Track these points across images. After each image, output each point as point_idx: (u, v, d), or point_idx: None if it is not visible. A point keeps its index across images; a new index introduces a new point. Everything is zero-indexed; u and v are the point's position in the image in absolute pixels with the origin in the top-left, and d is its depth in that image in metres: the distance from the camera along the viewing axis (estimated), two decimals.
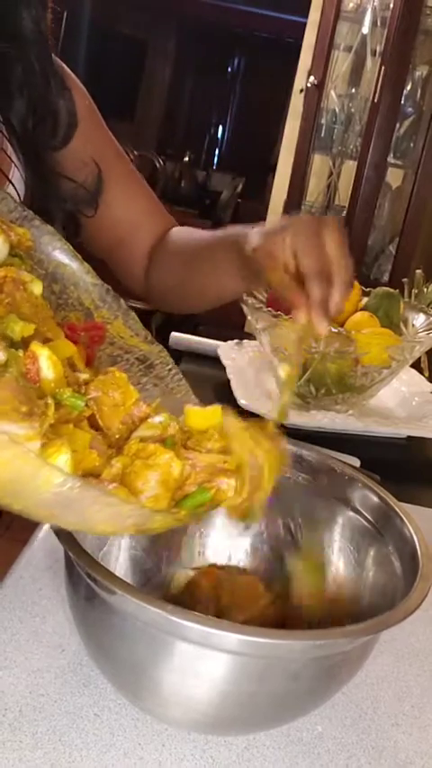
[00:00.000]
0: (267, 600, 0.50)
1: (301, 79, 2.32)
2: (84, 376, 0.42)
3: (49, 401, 0.36)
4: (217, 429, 0.44)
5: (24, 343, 0.39)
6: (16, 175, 0.69)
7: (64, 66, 0.77)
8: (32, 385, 0.37)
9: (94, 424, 0.41)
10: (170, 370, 0.52)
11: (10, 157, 0.69)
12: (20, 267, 0.46)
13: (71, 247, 0.52)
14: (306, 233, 0.59)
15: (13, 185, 0.69)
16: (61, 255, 0.52)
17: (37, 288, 0.45)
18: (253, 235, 0.64)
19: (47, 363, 0.38)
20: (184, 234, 0.84)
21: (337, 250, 0.59)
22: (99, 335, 0.48)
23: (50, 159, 0.73)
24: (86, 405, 0.40)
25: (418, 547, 0.48)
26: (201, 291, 0.80)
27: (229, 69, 5.71)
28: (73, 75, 0.78)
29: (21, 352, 0.37)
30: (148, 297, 0.87)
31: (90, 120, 0.79)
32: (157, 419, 0.42)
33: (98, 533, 0.36)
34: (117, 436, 0.41)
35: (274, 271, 0.61)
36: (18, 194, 0.69)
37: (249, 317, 0.96)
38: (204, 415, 0.44)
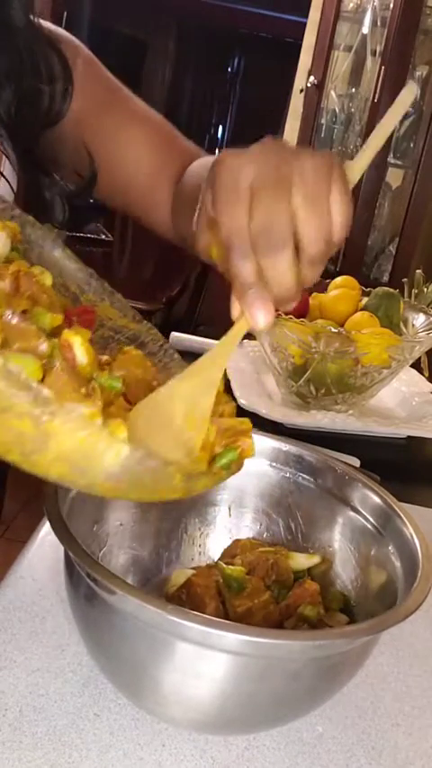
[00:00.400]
0: (266, 597, 0.51)
1: (302, 79, 2.32)
2: (104, 357, 0.44)
3: (95, 384, 0.39)
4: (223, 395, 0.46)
5: (53, 333, 0.41)
6: (7, 167, 0.69)
7: (58, 30, 0.74)
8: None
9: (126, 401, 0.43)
10: (161, 345, 0.53)
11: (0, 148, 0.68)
12: (17, 259, 0.47)
13: (53, 234, 0.53)
14: (273, 167, 0.40)
15: (4, 177, 0.68)
16: (44, 243, 0.52)
17: (48, 279, 0.46)
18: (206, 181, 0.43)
19: (81, 350, 0.39)
20: (193, 172, 0.74)
21: (305, 212, 0.39)
22: (90, 319, 0.49)
23: (44, 147, 0.72)
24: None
25: (418, 547, 0.48)
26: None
27: (229, 69, 5.71)
28: (67, 36, 0.75)
29: (56, 340, 0.40)
30: (177, 237, 0.80)
31: (87, 84, 0.75)
32: None
33: (151, 500, 0.39)
34: None
35: (206, 241, 0.44)
36: (10, 186, 0.69)
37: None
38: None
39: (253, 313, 0.40)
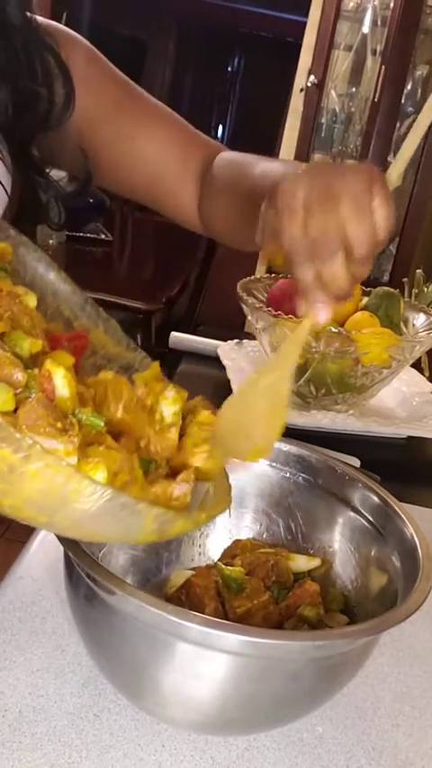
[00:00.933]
0: (266, 598, 0.50)
1: (302, 79, 2.32)
2: (89, 390, 0.42)
3: (73, 420, 0.37)
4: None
5: (32, 360, 0.40)
6: (2, 169, 0.68)
7: (56, 25, 0.73)
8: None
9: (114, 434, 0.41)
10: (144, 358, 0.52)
11: None
12: (3, 279, 0.45)
13: (47, 257, 0.51)
14: (322, 187, 0.45)
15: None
16: (38, 265, 0.51)
17: (32, 300, 0.44)
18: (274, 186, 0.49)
19: (62, 382, 0.38)
20: (234, 166, 0.75)
21: (356, 210, 0.44)
22: (82, 345, 0.48)
23: (41, 149, 0.71)
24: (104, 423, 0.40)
25: (418, 547, 0.48)
26: (246, 236, 0.68)
27: (229, 69, 5.71)
28: (71, 34, 0.74)
29: (35, 370, 0.38)
30: (205, 229, 0.81)
31: (94, 83, 0.74)
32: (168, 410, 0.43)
33: (126, 541, 0.37)
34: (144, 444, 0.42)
35: (278, 238, 0.47)
36: (4, 188, 0.68)
37: (249, 317, 0.96)
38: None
39: (315, 310, 0.47)
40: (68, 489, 0.32)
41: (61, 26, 0.74)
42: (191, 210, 0.80)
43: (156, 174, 0.79)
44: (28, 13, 0.68)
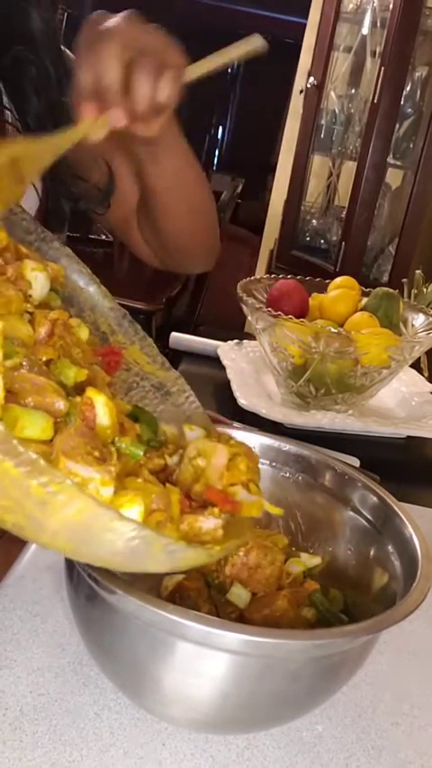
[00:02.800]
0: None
1: (301, 80, 2.33)
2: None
3: (112, 449, 0.36)
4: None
5: (75, 389, 0.39)
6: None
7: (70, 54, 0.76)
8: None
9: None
10: (187, 397, 0.51)
11: None
12: (54, 301, 0.45)
13: (89, 270, 0.51)
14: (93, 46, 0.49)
15: (32, 184, 0.69)
16: (78, 278, 0.51)
17: (84, 333, 0.45)
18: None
19: (103, 410, 0.37)
20: None
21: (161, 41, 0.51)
22: (116, 361, 0.47)
23: (63, 159, 0.73)
24: (144, 454, 0.40)
25: (418, 547, 0.48)
26: (153, 215, 0.75)
27: (229, 70, 5.71)
28: None
29: (77, 399, 0.37)
30: (157, 261, 0.85)
31: None
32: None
33: (143, 571, 0.36)
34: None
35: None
36: (37, 192, 0.69)
37: (249, 317, 0.97)
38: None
39: (87, 112, 0.50)
40: (99, 527, 0.31)
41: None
42: (141, 248, 0.84)
43: (131, 209, 0.81)
44: (51, 27, 0.69)
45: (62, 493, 0.30)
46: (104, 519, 0.31)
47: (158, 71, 0.51)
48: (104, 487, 0.34)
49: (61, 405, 0.36)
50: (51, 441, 0.34)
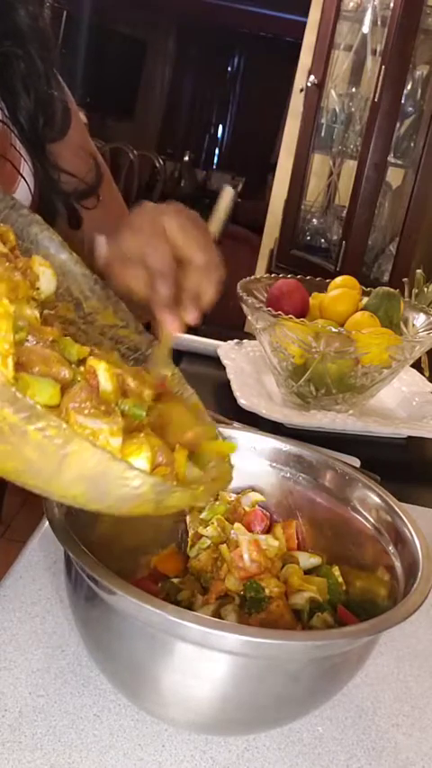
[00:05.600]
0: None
1: (302, 79, 2.32)
2: (130, 382, 0.43)
3: (115, 407, 0.38)
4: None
5: (78, 364, 0.41)
6: (26, 169, 0.70)
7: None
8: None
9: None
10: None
11: (19, 152, 0.69)
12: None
13: (60, 237, 0.52)
14: (144, 229, 0.54)
15: (24, 179, 0.69)
16: (50, 245, 0.52)
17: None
18: (100, 251, 0.60)
19: (105, 375, 0.40)
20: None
21: (184, 237, 0.53)
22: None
23: (53, 154, 0.73)
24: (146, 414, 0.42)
25: (418, 547, 0.48)
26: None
27: (229, 69, 5.71)
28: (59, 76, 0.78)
29: (81, 368, 0.40)
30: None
31: (77, 116, 0.79)
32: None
33: (121, 514, 0.38)
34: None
35: (120, 279, 0.55)
36: (29, 187, 0.70)
37: (249, 317, 0.96)
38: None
39: (168, 321, 0.53)
40: (92, 467, 0.33)
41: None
42: None
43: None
44: (39, 23, 0.69)
45: (58, 437, 0.31)
46: (98, 459, 0.32)
47: (209, 274, 0.54)
48: (113, 438, 0.35)
49: (66, 373, 0.38)
50: (59, 406, 0.36)
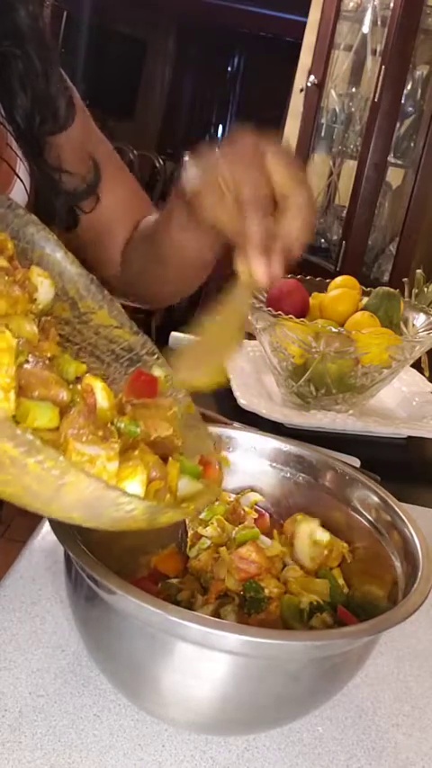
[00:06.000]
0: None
1: (302, 79, 2.32)
2: (121, 396, 0.45)
3: (112, 428, 0.40)
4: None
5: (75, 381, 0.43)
6: (22, 169, 0.70)
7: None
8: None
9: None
10: (156, 358, 0.53)
11: (15, 152, 0.69)
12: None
13: (55, 237, 0.52)
14: (242, 155, 0.50)
15: (20, 179, 0.69)
16: (45, 245, 0.52)
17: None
18: (189, 175, 0.55)
19: (102, 394, 0.41)
20: (149, 218, 0.83)
21: (285, 170, 0.49)
22: (152, 390, 0.49)
23: (51, 154, 0.73)
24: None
25: (418, 547, 0.48)
26: (164, 265, 0.76)
27: (229, 69, 5.71)
28: (63, 73, 0.78)
29: (78, 386, 0.41)
30: (122, 285, 0.84)
31: (83, 115, 0.79)
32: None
33: (119, 530, 0.39)
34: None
35: (210, 209, 0.52)
36: (25, 187, 0.70)
37: (249, 318, 0.96)
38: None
39: (256, 263, 0.49)
40: (105, 501, 0.34)
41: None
42: (114, 267, 0.84)
43: (102, 223, 0.82)
44: (39, 23, 0.69)
45: (56, 468, 0.32)
46: (94, 488, 0.34)
47: (305, 217, 0.50)
48: (110, 462, 0.37)
49: (64, 395, 0.39)
50: (58, 428, 0.37)
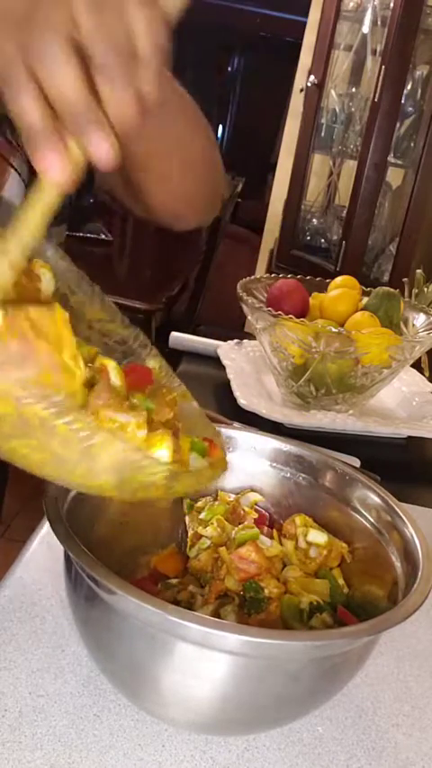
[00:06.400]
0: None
1: (302, 78, 2.32)
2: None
3: (132, 401, 0.42)
4: None
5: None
6: (17, 160, 0.69)
7: None
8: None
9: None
10: (149, 351, 0.54)
11: (11, 142, 0.68)
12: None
13: (47, 234, 0.52)
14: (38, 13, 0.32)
15: (15, 169, 0.68)
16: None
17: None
18: None
19: (114, 372, 0.43)
20: None
21: (88, 18, 0.32)
22: (147, 379, 0.50)
23: None
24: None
25: (418, 547, 0.48)
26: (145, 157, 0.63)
27: (229, 69, 5.70)
28: None
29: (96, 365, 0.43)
30: (133, 199, 0.74)
31: None
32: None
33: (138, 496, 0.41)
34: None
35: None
36: (22, 178, 0.69)
37: (249, 317, 0.96)
38: None
39: (45, 164, 0.33)
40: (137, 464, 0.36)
41: None
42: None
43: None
44: None
45: (85, 429, 0.34)
46: (120, 447, 0.35)
47: (128, 59, 0.33)
48: (140, 430, 0.39)
49: (87, 372, 0.41)
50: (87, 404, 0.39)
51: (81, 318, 0.52)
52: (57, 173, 0.33)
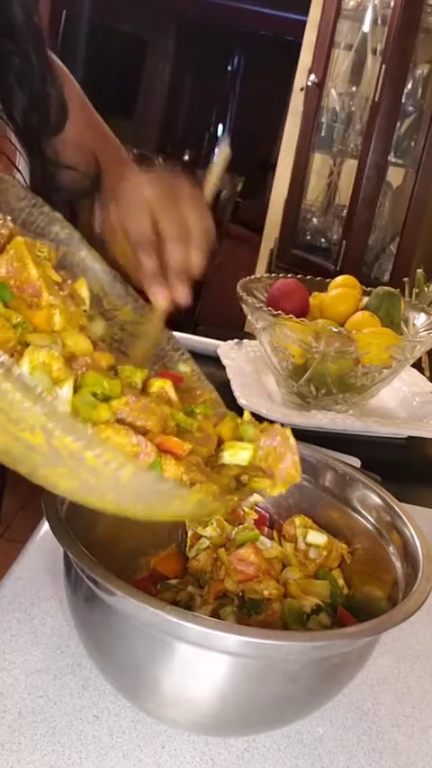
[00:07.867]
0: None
1: (302, 78, 2.32)
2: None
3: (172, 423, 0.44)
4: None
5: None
6: (21, 162, 0.69)
7: (53, 56, 0.76)
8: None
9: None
10: (182, 354, 0.56)
11: (14, 145, 0.69)
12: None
13: (79, 235, 0.53)
14: (127, 200, 0.56)
15: (19, 171, 0.69)
16: (70, 242, 0.52)
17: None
18: (97, 219, 0.62)
19: (171, 390, 0.46)
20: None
21: (166, 214, 0.55)
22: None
23: (50, 149, 0.73)
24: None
25: (418, 547, 0.48)
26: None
27: (229, 68, 5.70)
28: (61, 64, 0.77)
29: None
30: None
31: (84, 109, 0.78)
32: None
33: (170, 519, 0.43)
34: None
35: (116, 246, 0.57)
36: (24, 180, 0.69)
37: (249, 317, 0.96)
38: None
39: (157, 296, 0.54)
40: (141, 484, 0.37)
41: (55, 58, 0.76)
42: None
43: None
44: (35, 19, 0.69)
45: (113, 461, 0.35)
46: (147, 478, 0.37)
47: (188, 246, 0.55)
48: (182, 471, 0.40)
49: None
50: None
51: (113, 321, 0.53)
52: (163, 300, 0.54)
